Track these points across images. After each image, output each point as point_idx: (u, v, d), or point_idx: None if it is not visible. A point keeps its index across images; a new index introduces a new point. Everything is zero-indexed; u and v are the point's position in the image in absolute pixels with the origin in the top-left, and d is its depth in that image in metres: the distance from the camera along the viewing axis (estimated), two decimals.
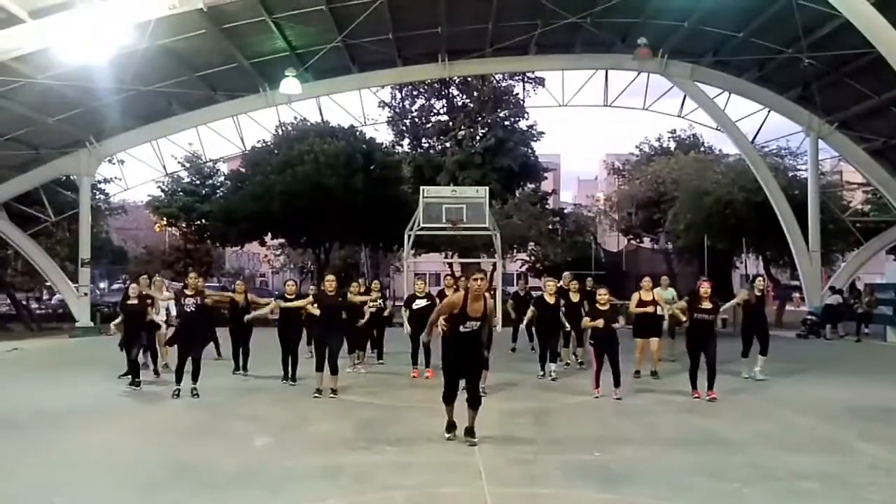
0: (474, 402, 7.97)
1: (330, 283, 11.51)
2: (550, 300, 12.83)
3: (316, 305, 11.57)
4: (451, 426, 8.21)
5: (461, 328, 7.98)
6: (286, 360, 12.61)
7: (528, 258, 42.29)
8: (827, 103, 22.88)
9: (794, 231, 24.67)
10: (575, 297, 13.48)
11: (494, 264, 24.56)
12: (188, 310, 11.25)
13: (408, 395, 11.30)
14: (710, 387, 10.77)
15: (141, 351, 12.64)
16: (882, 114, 22.25)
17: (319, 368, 11.06)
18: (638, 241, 47.35)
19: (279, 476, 6.92)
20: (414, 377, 12.92)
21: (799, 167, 29.70)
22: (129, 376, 11.98)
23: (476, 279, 8.08)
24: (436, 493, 6.29)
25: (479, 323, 8.00)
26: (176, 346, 12.03)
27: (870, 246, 26.51)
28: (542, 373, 12.96)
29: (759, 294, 13.21)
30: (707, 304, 10.97)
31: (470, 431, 8.05)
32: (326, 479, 6.83)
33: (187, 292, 11.38)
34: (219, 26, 18.61)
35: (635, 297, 13.19)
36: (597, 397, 10.93)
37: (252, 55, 21.44)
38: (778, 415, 9.81)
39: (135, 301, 12.43)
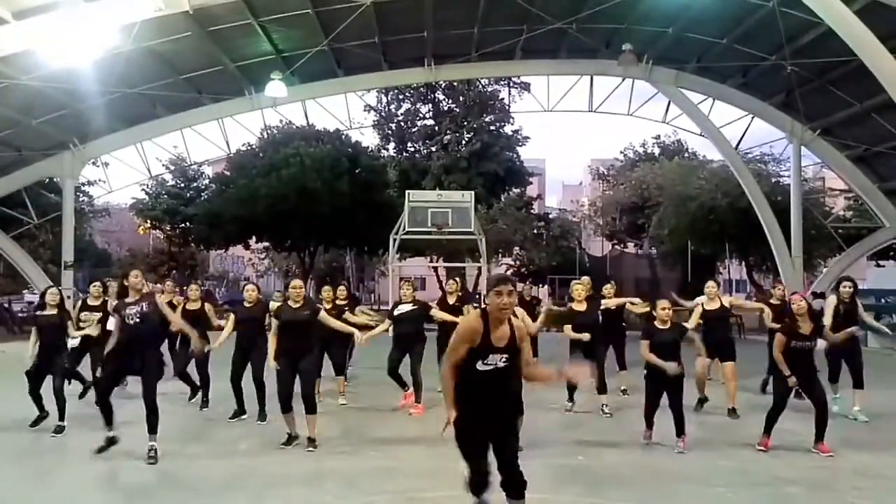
0: (515, 489, 5.01)
1: (296, 290, 8.46)
2: (581, 307, 10.14)
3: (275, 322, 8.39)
4: None
5: (479, 365, 4.94)
6: (237, 389, 9.70)
7: (513, 262, 42.45)
8: (810, 110, 23.04)
9: (777, 237, 24.81)
10: (612, 305, 11.21)
11: (479, 269, 24.58)
12: (130, 321, 7.69)
13: (392, 400, 10.87)
14: (820, 437, 7.94)
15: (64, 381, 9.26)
16: (864, 121, 22.42)
17: (286, 409, 8.13)
18: (622, 245, 47.66)
19: (264, 482, 6.90)
20: (405, 407, 10.35)
21: (782, 173, 30.01)
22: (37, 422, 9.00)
23: (501, 292, 4.90)
24: (420, 499, 6.29)
25: (506, 357, 4.97)
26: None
27: (851, 252, 26.70)
28: (569, 404, 10.30)
29: (846, 301, 9.99)
30: (806, 328, 7.92)
31: None
32: (311, 484, 6.81)
33: (128, 299, 7.81)
34: (204, 29, 18.53)
35: (697, 306, 10.36)
36: (647, 443, 8.31)
37: (238, 58, 21.37)
38: (763, 420, 9.80)
39: (52, 312, 9.08)
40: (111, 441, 7.70)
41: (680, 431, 8.07)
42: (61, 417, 8.84)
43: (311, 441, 8.13)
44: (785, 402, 8.06)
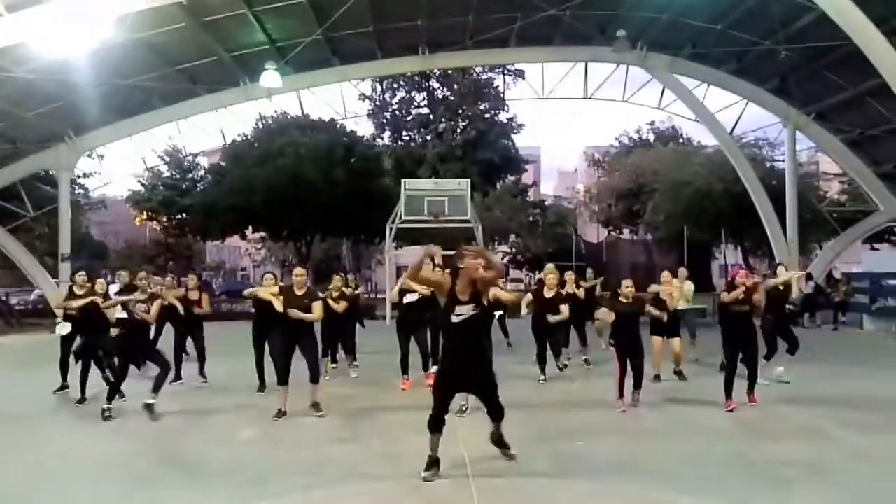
0: (495, 414, 6.73)
1: (299, 277, 9.29)
2: (550, 294, 11.44)
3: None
4: (432, 463, 6.55)
5: (452, 317, 6.41)
6: (260, 366, 10.83)
7: (509, 250, 42.52)
8: (804, 95, 23.10)
9: (772, 221, 24.88)
10: (577, 292, 12.79)
11: None
12: (138, 317, 9.22)
13: (392, 387, 10.99)
14: (751, 389, 9.60)
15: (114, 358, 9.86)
16: (858, 105, 22.45)
17: (282, 381, 8.98)
18: (618, 232, 47.74)
19: (265, 468, 6.96)
20: (404, 389, 10.83)
21: (777, 158, 30.05)
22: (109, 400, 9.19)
23: (466, 255, 6.47)
24: (421, 485, 6.35)
25: (474, 307, 6.42)
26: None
27: (846, 235, 26.77)
28: (542, 377, 11.39)
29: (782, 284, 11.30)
30: (741, 295, 9.38)
31: (500, 442, 6.96)
32: (312, 470, 6.87)
33: (138, 296, 9.42)
34: (199, 19, 18.48)
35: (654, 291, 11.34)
36: (623, 411, 9.24)
37: (232, 48, 21.31)
38: (760, 403, 9.87)
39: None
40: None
41: (637, 386, 9.53)
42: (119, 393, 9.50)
43: (316, 407, 9.07)
44: (735, 364, 9.52)
